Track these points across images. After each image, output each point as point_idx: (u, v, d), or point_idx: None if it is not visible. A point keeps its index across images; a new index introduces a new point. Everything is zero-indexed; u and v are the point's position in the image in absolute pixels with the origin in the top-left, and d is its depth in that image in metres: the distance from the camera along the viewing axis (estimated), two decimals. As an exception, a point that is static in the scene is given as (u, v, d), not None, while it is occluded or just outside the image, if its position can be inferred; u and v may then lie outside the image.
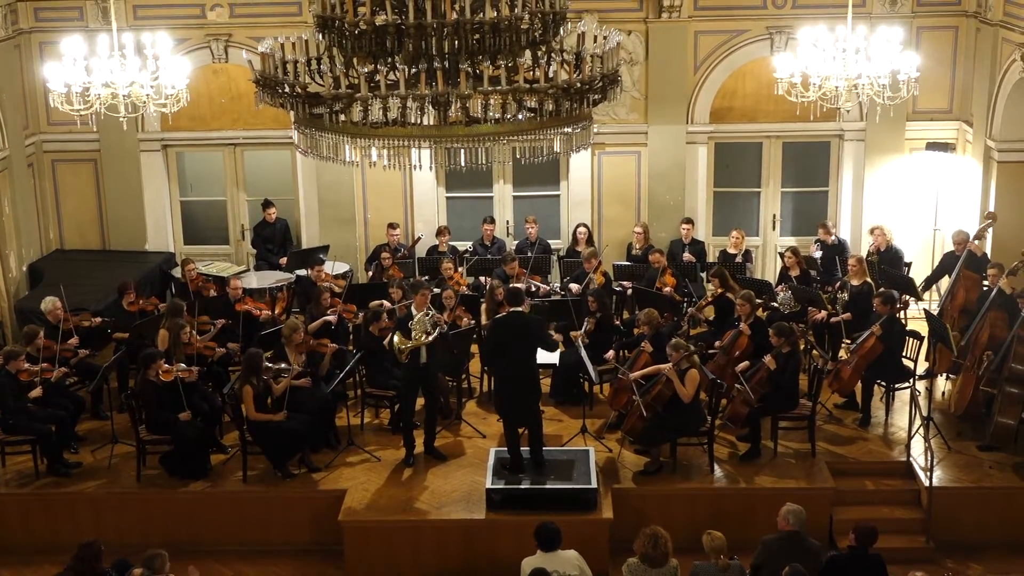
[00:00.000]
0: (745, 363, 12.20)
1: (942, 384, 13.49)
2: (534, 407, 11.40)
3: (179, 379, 11.68)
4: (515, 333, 11.18)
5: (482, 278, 14.75)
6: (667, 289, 13.91)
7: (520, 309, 11.35)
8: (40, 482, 11.76)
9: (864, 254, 14.41)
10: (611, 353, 12.76)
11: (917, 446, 11.95)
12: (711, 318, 13.79)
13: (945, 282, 14.30)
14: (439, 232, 15.50)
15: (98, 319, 13.26)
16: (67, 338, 12.58)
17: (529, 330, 11.23)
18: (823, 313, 13.34)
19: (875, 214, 15.59)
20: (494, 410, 12.95)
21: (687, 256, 15.14)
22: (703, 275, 15.02)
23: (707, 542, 9.13)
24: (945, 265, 14.30)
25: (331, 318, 13.00)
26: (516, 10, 8.28)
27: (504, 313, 11.63)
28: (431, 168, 8.78)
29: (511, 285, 12.99)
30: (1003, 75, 14.05)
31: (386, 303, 13.09)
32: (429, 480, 11.66)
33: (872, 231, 14.82)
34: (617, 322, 14.06)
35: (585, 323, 12.82)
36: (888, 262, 14.42)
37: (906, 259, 14.93)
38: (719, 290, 13.52)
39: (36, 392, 11.73)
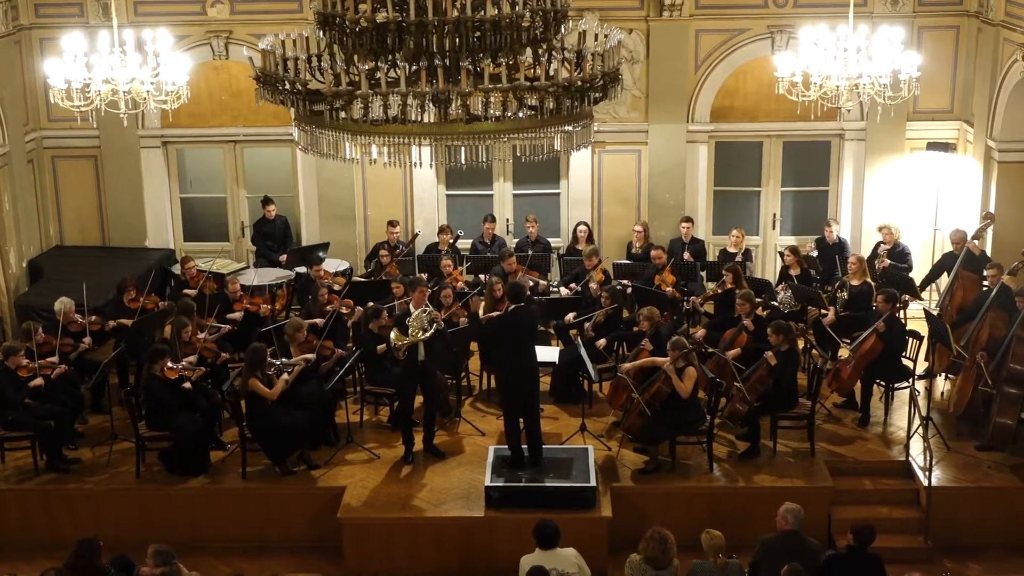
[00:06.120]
0: (736, 350, 12.24)
1: (941, 384, 13.48)
2: (534, 398, 11.45)
3: (183, 376, 11.71)
4: (520, 329, 11.25)
5: (481, 275, 14.76)
6: (669, 290, 13.91)
7: (522, 305, 11.37)
8: (39, 478, 11.77)
9: (867, 254, 14.40)
10: (603, 341, 12.78)
11: (916, 446, 11.96)
12: (711, 312, 13.79)
13: (944, 281, 14.29)
14: (441, 230, 15.48)
15: (112, 323, 13.21)
16: (79, 338, 12.70)
17: (533, 325, 11.52)
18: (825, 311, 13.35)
19: (875, 214, 15.56)
20: (494, 407, 12.98)
21: (687, 255, 15.12)
22: (703, 274, 15.02)
23: (706, 541, 9.13)
24: (943, 264, 14.28)
25: (318, 321, 12.93)
26: (517, 8, 8.28)
27: (507, 309, 11.61)
28: (431, 166, 8.81)
29: (513, 281, 12.98)
30: (1004, 75, 14.05)
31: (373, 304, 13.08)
32: (428, 478, 11.66)
33: (880, 229, 14.75)
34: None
35: (595, 316, 12.88)
36: (895, 260, 14.38)
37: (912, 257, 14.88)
38: (730, 285, 13.53)
39: (37, 381, 11.72)
